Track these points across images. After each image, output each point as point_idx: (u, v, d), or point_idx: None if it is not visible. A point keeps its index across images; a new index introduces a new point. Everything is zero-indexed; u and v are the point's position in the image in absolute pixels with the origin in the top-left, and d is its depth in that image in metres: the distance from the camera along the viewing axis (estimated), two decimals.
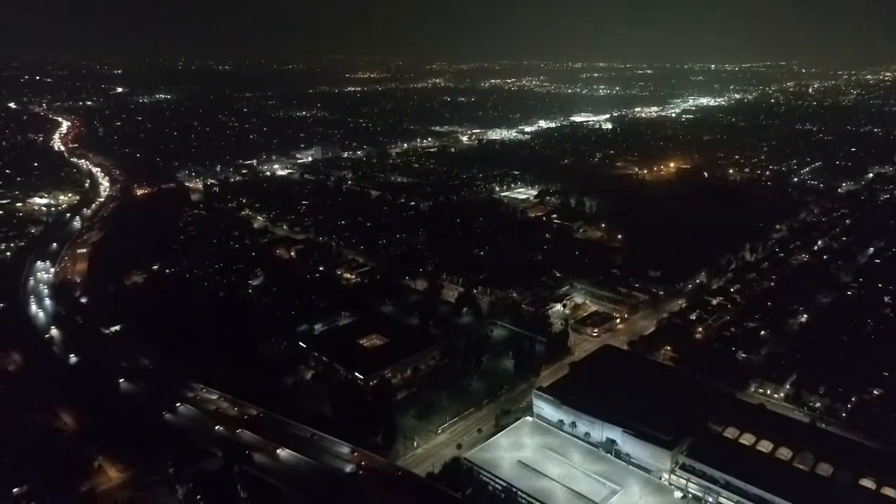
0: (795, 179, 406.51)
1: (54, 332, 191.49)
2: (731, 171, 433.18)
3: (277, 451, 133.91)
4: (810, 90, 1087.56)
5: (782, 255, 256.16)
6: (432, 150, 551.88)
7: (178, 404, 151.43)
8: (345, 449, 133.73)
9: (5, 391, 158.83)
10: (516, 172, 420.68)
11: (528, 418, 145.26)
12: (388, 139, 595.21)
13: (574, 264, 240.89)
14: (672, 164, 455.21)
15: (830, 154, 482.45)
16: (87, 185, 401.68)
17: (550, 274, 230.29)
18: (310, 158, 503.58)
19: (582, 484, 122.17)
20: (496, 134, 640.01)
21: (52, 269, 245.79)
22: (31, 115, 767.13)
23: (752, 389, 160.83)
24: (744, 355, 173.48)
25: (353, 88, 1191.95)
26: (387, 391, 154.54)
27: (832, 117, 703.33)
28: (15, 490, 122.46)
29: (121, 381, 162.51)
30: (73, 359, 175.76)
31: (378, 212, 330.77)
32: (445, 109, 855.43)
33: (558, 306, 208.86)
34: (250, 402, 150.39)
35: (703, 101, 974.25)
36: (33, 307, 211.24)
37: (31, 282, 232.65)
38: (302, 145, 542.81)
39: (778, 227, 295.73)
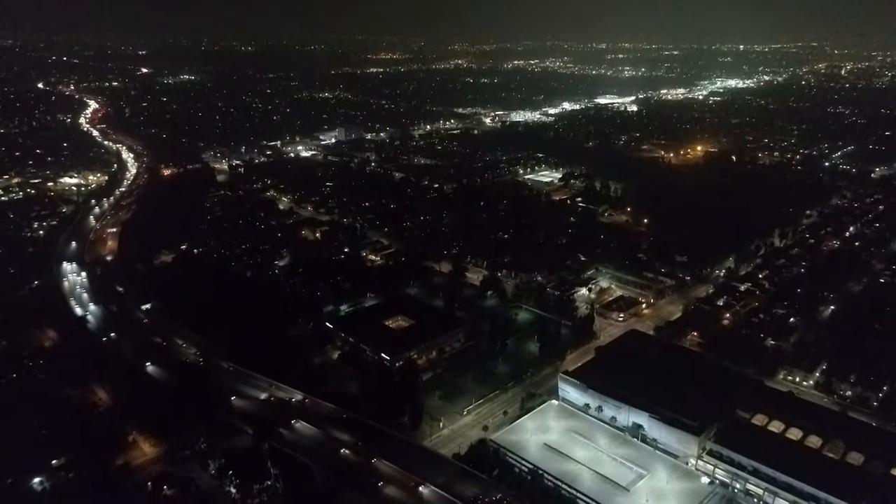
0: (827, 164, 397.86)
1: (87, 309, 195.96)
2: (760, 154, 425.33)
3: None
4: (843, 72, 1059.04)
5: (813, 241, 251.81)
6: (455, 132, 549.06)
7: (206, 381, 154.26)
8: (297, 395, 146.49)
9: (42, 367, 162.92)
10: (540, 155, 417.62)
11: (554, 402, 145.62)
12: (411, 121, 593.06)
13: (599, 248, 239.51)
14: (699, 148, 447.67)
15: (863, 138, 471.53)
16: (115, 165, 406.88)
17: (575, 258, 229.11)
18: (333, 140, 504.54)
19: (608, 468, 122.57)
20: (519, 116, 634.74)
21: (84, 248, 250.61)
22: (59, 95, 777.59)
23: (781, 377, 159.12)
24: (772, 342, 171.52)
25: (374, 69, 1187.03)
26: (413, 372, 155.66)
27: (866, 100, 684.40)
28: (54, 462, 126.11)
29: (152, 357, 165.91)
30: (106, 336, 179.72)
31: (402, 194, 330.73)
32: (468, 91, 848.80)
33: (583, 290, 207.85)
34: (280, 382, 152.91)
35: (732, 82, 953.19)
36: (66, 285, 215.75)
37: (64, 260, 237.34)
38: (325, 126, 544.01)
39: (808, 212, 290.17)
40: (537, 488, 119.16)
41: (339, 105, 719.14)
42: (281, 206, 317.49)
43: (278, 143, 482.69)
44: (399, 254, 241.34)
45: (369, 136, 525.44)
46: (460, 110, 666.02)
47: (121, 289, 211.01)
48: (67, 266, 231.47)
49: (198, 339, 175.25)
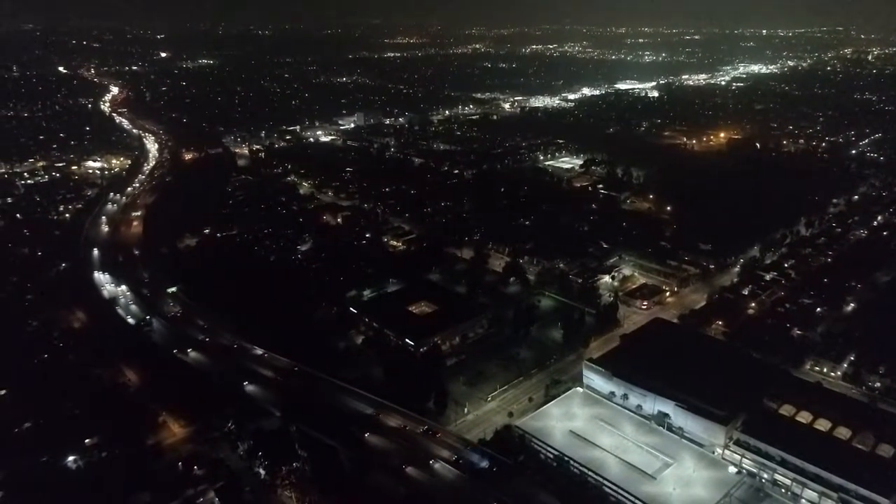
0: (853, 152, 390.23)
1: (115, 291, 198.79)
2: (784, 142, 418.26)
3: None
4: (870, 57, 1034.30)
5: (840, 230, 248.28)
6: (474, 117, 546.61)
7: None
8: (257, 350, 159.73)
9: (72, 347, 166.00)
10: (560, 141, 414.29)
11: (579, 389, 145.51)
12: (430, 106, 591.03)
13: (621, 235, 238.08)
14: (722, 135, 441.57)
15: (891, 125, 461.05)
16: (137, 149, 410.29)
17: (597, 245, 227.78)
18: (352, 125, 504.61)
19: (634, 455, 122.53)
20: (538, 101, 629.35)
21: (110, 232, 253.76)
22: (80, 79, 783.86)
23: (808, 367, 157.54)
24: (799, 332, 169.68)
25: (392, 54, 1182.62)
26: (437, 358, 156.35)
27: (894, 86, 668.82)
28: (87, 441, 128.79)
29: (178, 339, 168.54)
30: (133, 318, 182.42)
31: (422, 179, 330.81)
32: (486, 76, 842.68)
33: (606, 278, 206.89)
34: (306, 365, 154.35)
35: (755, 68, 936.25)
36: (94, 267, 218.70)
37: (90, 243, 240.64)
38: (343, 111, 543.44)
39: (835, 201, 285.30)
40: (563, 475, 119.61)
41: (357, 90, 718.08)
42: (301, 191, 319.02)
43: (297, 127, 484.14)
44: (420, 239, 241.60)
45: (388, 122, 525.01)
46: (479, 95, 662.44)
47: (147, 272, 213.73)
48: (94, 249, 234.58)
49: (223, 322, 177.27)
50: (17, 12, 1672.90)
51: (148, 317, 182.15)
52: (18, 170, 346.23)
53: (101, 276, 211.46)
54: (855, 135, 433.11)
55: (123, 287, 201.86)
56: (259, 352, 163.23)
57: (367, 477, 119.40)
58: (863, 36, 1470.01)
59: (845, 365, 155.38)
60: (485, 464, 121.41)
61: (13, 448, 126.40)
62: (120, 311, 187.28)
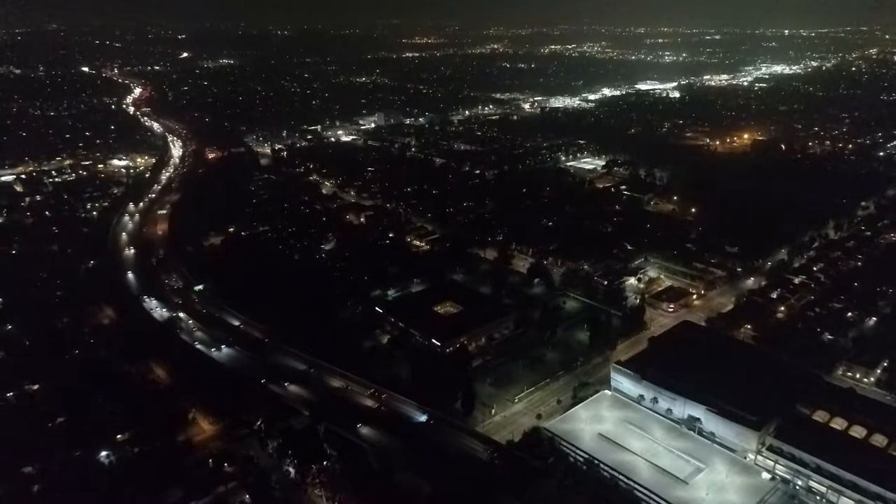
0: (882, 154, 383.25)
1: (143, 289, 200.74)
2: (810, 143, 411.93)
3: None
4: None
5: (869, 233, 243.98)
6: (494, 117, 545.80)
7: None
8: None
9: (102, 344, 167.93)
10: (581, 142, 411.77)
11: (607, 392, 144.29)
12: (449, 106, 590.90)
13: (646, 237, 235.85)
14: (746, 136, 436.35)
15: None
16: (160, 148, 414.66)
17: (622, 246, 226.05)
18: (372, 125, 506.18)
19: (665, 460, 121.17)
20: (559, 102, 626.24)
21: (137, 230, 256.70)
22: (103, 79, 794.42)
23: (840, 373, 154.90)
24: (830, 337, 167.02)
25: (410, 54, 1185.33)
26: (464, 359, 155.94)
27: None
28: (119, 436, 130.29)
29: (205, 338, 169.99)
30: (161, 315, 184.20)
31: (443, 179, 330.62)
32: (505, 76, 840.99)
33: (632, 280, 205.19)
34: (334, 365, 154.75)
35: (777, 68, 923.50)
36: (121, 265, 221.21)
37: (118, 241, 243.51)
38: (364, 111, 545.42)
39: (864, 203, 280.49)
40: (593, 478, 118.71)
41: (377, 90, 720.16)
42: (324, 191, 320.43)
43: (318, 127, 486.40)
44: (443, 240, 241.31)
45: (408, 122, 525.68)
46: (498, 95, 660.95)
47: (173, 270, 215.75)
48: (121, 247, 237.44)
49: (250, 320, 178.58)
50: (42, 12, 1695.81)
51: (176, 314, 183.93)
52: (46, 168, 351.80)
53: (128, 274, 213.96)
54: (882, 136, 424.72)
55: (150, 285, 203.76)
56: (236, 323, 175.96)
57: (395, 476, 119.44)
58: (888, 36, 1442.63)
59: (878, 371, 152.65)
60: (423, 418, 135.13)
61: (47, 443, 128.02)
62: (147, 308, 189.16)
